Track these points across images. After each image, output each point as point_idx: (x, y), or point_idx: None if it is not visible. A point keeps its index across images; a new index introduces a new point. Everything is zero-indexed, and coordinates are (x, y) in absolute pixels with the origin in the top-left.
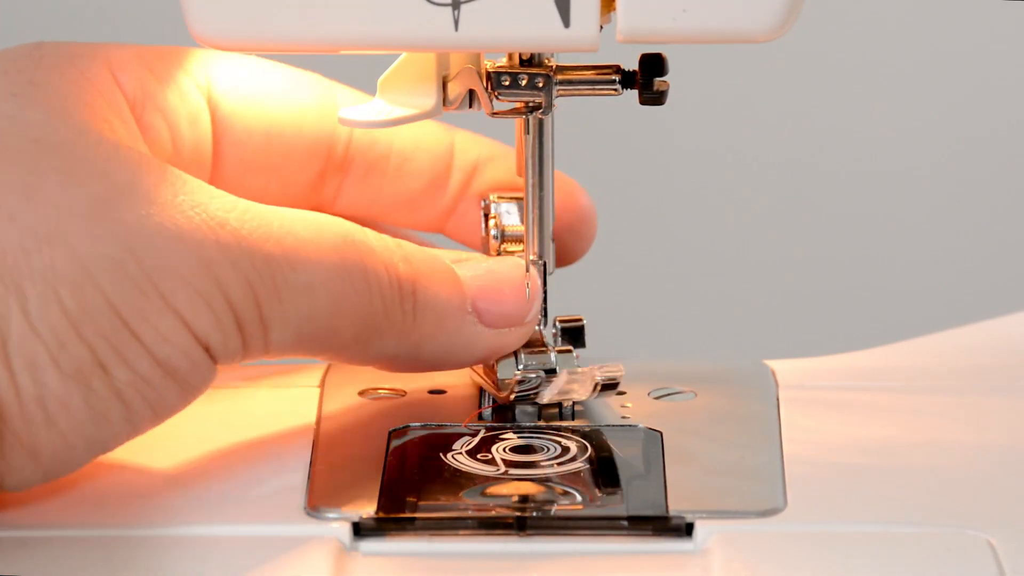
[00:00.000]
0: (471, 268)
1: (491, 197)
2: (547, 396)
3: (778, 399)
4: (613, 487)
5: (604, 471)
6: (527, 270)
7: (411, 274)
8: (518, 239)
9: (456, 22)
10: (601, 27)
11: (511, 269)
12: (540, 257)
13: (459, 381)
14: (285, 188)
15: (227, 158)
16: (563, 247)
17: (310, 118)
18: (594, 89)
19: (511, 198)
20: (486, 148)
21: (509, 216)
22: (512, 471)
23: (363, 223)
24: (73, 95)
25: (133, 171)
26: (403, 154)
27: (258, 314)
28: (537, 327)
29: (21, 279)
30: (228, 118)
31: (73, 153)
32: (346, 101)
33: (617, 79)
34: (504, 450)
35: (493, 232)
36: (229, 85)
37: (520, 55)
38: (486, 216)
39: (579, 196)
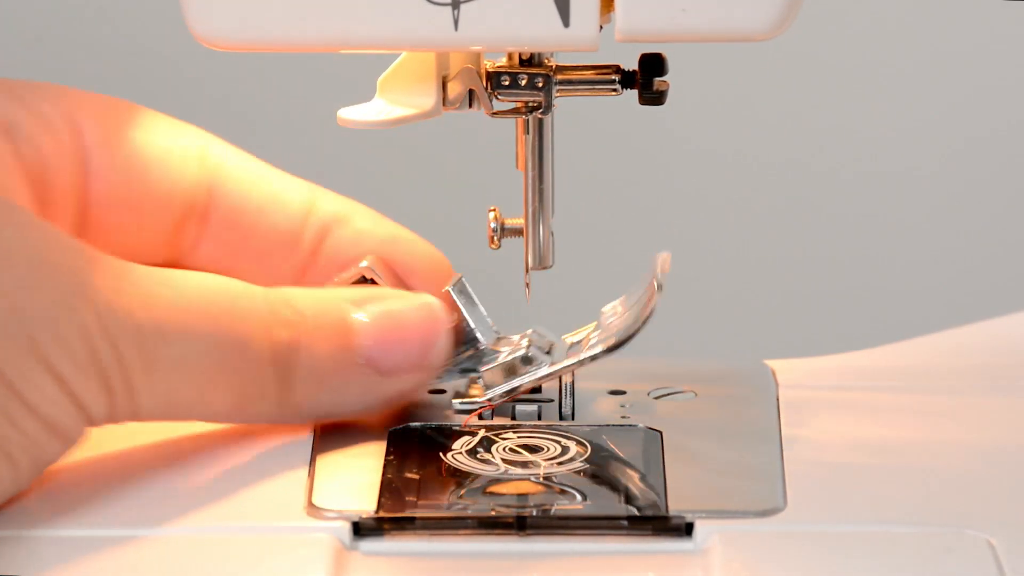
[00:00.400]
0: (371, 311)
1: (369, 259)
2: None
3: (778, 399)
4: (613, 487)
5: (604, 471)
6: (435, 309)
7: (290, 339)
8: (517, 231)
9: (456, 21)
10: (601, 27)
11: (414, 311)
12: (458, 282)
13: (459, 381)
14: (143, 233)
15: (91, 191)
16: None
17: (174, 160)
18: (594, 89)
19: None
20: (343, 207)
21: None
22: (512, 471)
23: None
24: None
25: (15, 231)
26: (260, 207)
27: (127, 384)
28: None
29: None
30: (93, 147)
31: None
32: (220, 153)
33: (617, 79)
34: (504, 450)
35: (492, 225)
36: (93, 117)
37: (520, 55)
38: (364, 279)
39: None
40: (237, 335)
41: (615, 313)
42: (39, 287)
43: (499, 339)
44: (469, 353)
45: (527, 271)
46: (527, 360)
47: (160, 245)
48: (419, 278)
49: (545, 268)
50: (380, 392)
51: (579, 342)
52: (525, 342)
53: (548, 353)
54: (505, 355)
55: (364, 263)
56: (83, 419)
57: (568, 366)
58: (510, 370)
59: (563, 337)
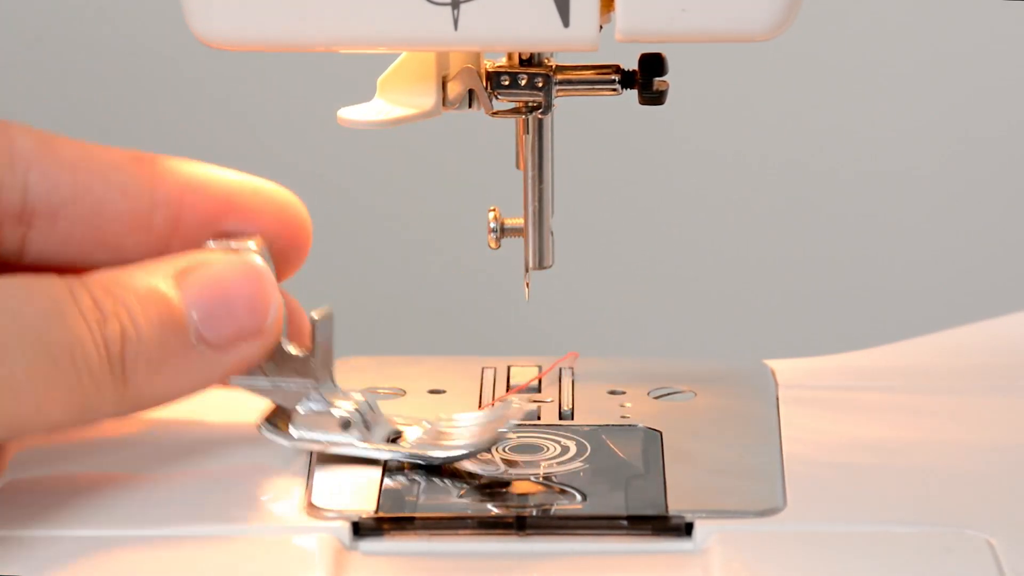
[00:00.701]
0: (195, 282)
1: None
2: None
3: (778, 399)
4: (613, 487)
5: (604, 471)
6: (258, 268)
7: (119, 334)
8: (517, 231)
9: (456, 21)
10: (600, 27)
11: (241, 276)
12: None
13: (460, 381)
14: None
15: None
16: (282, 260)
17: None
18: (594, 89)
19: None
20: (188, 179)
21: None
22: (512, 471)
23: (62, 271)
24: None
25: None
26: (97, 196)
27: None
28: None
29: None
30: None
31: None
32: (24, 146)
33: (617, 79)
34: (504, 450)
35: (492, 225)
36: None
37: (520, 55)
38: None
39: (295, 210)
40: (67, 346)
41: (451, 423)
42: None
43: (334, 390)
44: (296, 379)
45: (527, 271)
46: (345, 424)
47: None
48: (271, 222)
49: (545, 268)
50: (219, 367)
51: (400, 435)
52: (350, 405)
53: (368, 429)
54: (326, 405)
55: (251, 243)
56: None
57: (380, 454)
58: (326, 423)
59: (394, 418)
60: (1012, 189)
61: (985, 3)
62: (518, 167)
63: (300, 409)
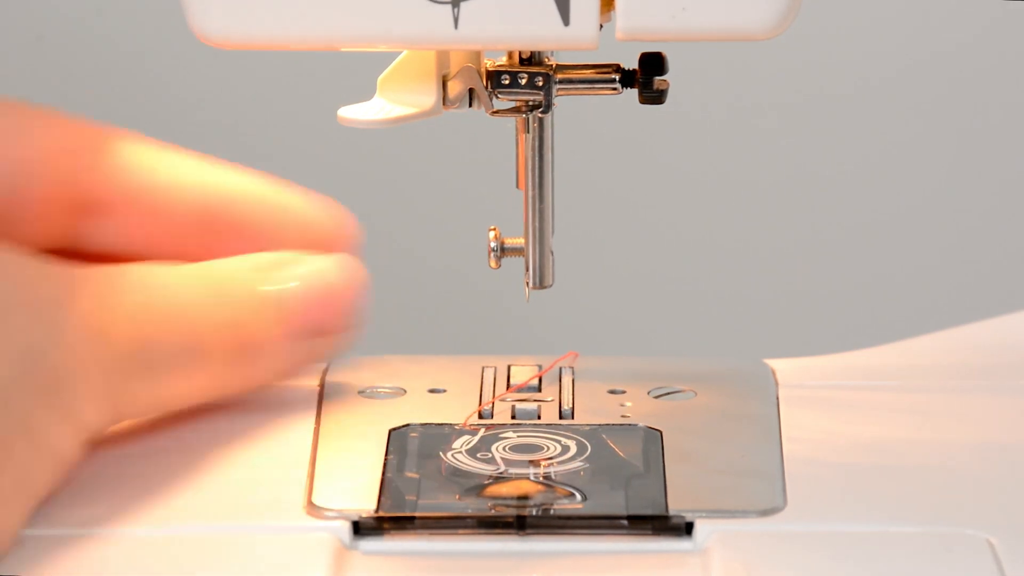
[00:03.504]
0: (290, 276)
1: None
2: None
3: (778, 398)
4: (613, 487)
5: (604, 470)
6: (356, 266)
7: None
8: (518, 251)
9: (456, 20)
10: (601, 25)
11: (330, 277)
12: None
13: (459, 381)
14: (24, 236)
15: None
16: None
17: (43, 167)
18: (594, 88)
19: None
20: (241, 193)
21: None
22: (512, 470)
23: (131, 260)
24: None
25: (21, 281)
26: (158, 197)
27: (126, 400)
28: None
29: None
30: None
31: None
32: (97, 141)
33: (617, 78)
34: (504, 449)
35: (492, 244)
36: None
37: (520, 53)
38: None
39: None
40: (220, 337)
41: None
42: (37, 323)
43: None
44: None
45: (527, 271)
46: None
47: (48, 242)
48: (304, 245)
49: (545, 288)
50: (309, 356)
51: None
52: None
53: None
54: None
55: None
56: (84, 442)
57: None
58: None
59: None
60: (1012, 189)
61: (985, 3)
62: (518, 187)
63: None
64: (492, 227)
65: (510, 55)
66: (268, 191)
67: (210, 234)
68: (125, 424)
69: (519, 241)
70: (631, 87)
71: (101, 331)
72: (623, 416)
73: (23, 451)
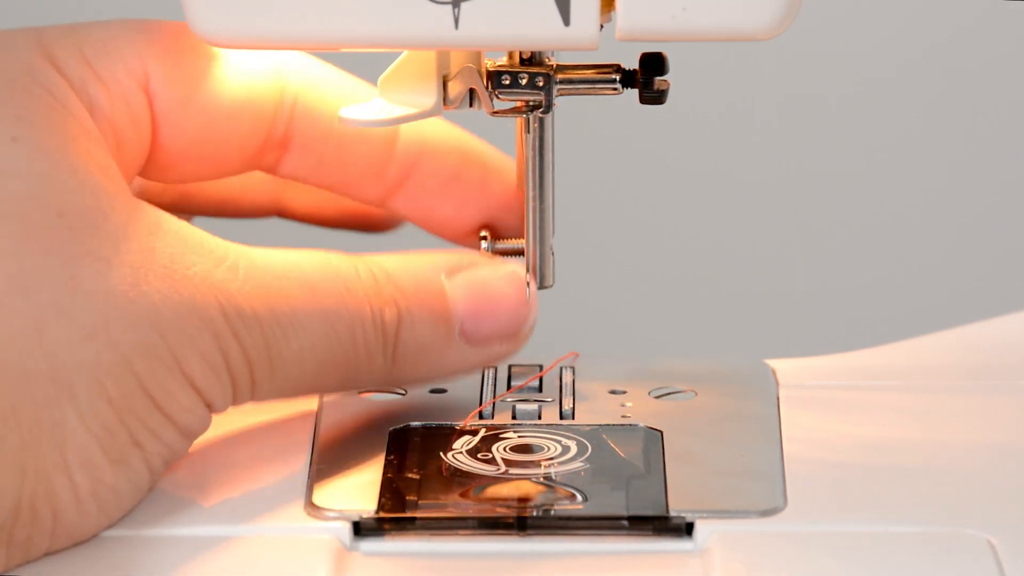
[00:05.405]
0: (464, 282)
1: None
2: None
3: (778, 398)
4: (613, 487)
5: (604, 471)
6: (526, 279)
7: (396, 318)
8: (516, 251)
9: (456, 20)
10: (601, 26)
11: (507, 283)
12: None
13: (459, 381)
14: (221, 168)
15: (163, 149)
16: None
17: (249, 106)
18: (594, 88)
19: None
20: (425, 141)
21: None
22: (512, 471)
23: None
24: (58, 128)
25: (143, 241)
26: (345, 139)
27: (251, 379)
28: None
29: (71, 377)
30: (165, 114)
31: (95, 227)
32: (294, 82)
33: (617, 78)
34: (504, 449)
35: (484, 246)
36: (165, 77)
37: (520, 54)
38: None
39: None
40: (350, 322)
41: None
42: (173, 294)
43: None
44: None
45: (528, 270)
46: None
47: (238, 170)
48: (489, 197)
49: (545, 288)
50: (473, 361)
51: None
52: None
53: None
54: None
55: (482, 235)
56: (209, 417)
57: None
58: None
59: None
60: (1012, 189)
61: (985, 3)
62: (519, 187)
63: None
64: (483, 233)
65: (510, 55)
66: (457, 134)
67: (383, 184)
68: None
69: (516, 242)
70: (631, 87)
71: (245, 311)
72: (623, 416)
73: (158, 424)
